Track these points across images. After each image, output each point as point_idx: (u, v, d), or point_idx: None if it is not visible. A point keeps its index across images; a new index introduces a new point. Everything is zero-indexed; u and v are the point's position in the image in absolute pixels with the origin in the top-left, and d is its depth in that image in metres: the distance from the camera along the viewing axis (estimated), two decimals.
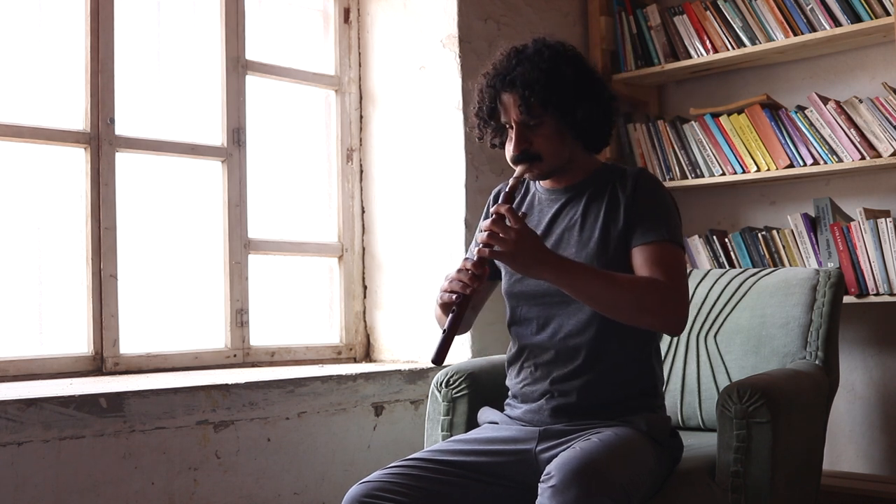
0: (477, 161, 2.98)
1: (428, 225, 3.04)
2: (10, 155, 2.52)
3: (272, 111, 3.07)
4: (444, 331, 1.86)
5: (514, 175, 1.95)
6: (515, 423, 2.00)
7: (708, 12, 3.15)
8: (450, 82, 2.99)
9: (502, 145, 2.05)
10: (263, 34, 3.05)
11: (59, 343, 2.56)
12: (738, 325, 2.53)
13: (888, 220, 2.78)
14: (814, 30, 2.94)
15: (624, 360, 1.96)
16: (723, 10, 3.12)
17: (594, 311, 1.92)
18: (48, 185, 2.59)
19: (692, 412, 2.52)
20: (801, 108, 2.97)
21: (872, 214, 2.83)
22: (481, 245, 1.83)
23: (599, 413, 1.93)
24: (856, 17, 2.85)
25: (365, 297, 3.20)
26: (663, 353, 2.57)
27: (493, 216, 1.83)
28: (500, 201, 1.89)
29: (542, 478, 1.69)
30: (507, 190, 1.93)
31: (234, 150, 2.89)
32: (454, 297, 1.85)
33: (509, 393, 2.07)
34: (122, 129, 2.65)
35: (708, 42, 3.16)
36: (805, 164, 2.93)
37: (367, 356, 3.19)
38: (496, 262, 1.98)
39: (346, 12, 3.22)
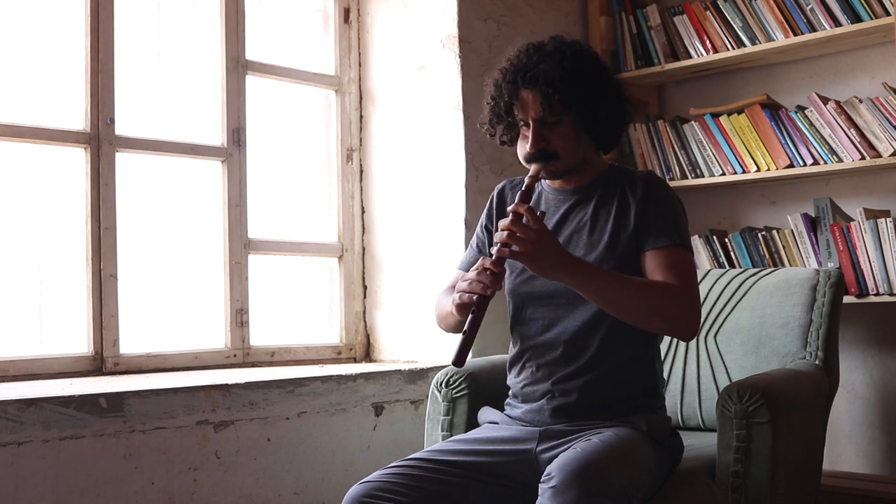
0: (477, 161, 2.98)
1: (428, 225, 3.04)
2: (10, 155, 2.52)
3: (272, 111, 3.07)
4: (465, 332, 1.85)
5: (530, 174, 1.93)
6: (516, 423, 2.00)
7: (708, 12, 3.15)
8: (450, 82, 2.99)
9: (512, 143, 2.03)
10: (263, 34, 3.05)
11: (59, 343, 2.56)
12: (738, 325, 2.53)
13: (888, 220, 2.78)
14: (814, 30, 2.94)
15: (626, 361, 1.96)
16: (723, 10, 3.12)
17: (599, 314, 1.92)
18: (48, 185, 2.59)
19: (692, 412, 2.52)
20: (801, 108, 2.97)
21: (872, 214, 2.83)
22: (500, 245, 1.81)
23: (600, 413, 1.93)
24: (856, 17, 2.85)
25: (365, 297, 3.20)
26: (663, 354, 2.57)
27: (511, 216, 1.82)
28: (517, 200, 1.87)
29: (543, 478, 1.69)
30: (523, 189, 1.90)
31: (234, 150, 2.89)
32: (474, 297, 1.83)
33: (510, 393, 2.07)
34: (122, 129, 2.65)
35: (708, 42, 3.16)
36: (805, 164, 2.93)
37: (367, 356, 3.19)
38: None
39: (346, 12, 3.22)
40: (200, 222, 2.87)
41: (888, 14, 2.79)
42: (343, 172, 3.18)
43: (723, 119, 3.10)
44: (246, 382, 2.41)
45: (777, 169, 2.99)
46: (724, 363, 2.51)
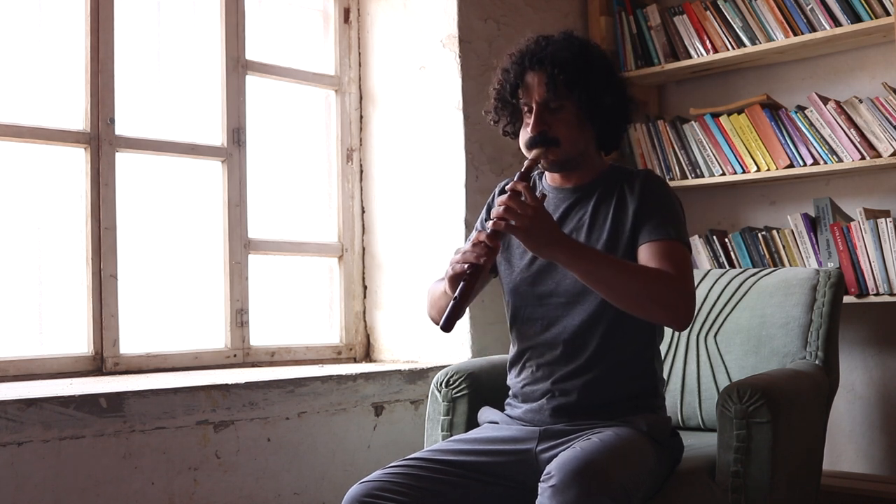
0: (477, 161, 2.99)
1: (428, 225, 3.04)
2: (10, 155, 2.52)
3: (272, 111, 3.07)
4: (455, 298, 1.81)
5: (530, 157, 1.93)
6: (516, 422, 2.00)
7: (708, 12, 3.15)
8: (450, 82, 2.99)
9: (515, 134, 2.03)
10: (263, 34, 3.05)
11: (59, 343, 2.56)
12: (738, 325, 2.53)
13: (888, 220, 2.78)
14: (814, 30, 2.94)
15: (625, 361, 1.96)
16: (723, 10, 3.12)
17: (598, 312, 1.92)
18: (48, 185, 2.59)
19: (692, 412, 2.52)
20: (801, 108, 2.97)
21: (872, 214, 2.83)
22: (496, 218, 1.80)
23: (600, 413, 1.93)
24: (856, 17, 2.85)
25: (365, 297, 3.20)
26: (663, 353, 2.56)
27: (510, 192, 1.81)
28: (515, 179, 1.87)
29: (543, 477, 1.69)
30: (522, 170, 1.89)
31: (234, 150, 2.89)
32: (466, 266, 1.81)
33: (510, 392, 2.07)
34: (122, 129, 2.65)
35: (708, 42, 3.16)
36: (805, 164, 2.93)
37: (367, 356, 3.19)
38: (494, 261, 1.97)
39: (346, 12, 3.22)
40: (200, 222, 2.87)
41: (888, 14, 2.79)
42: (343, 172, 3.18)
43: (723, 119, 3.10)
44: (246, 382, 2.41)
45: (777, 169, 2.99)
46: (724, 363, 2.51)
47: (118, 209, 2.63)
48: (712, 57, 3.15)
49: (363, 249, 3.21)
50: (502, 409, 2.08)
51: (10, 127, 2.48)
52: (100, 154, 2.61)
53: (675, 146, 3.21)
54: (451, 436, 2.23)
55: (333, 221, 3.18)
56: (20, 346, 2.49)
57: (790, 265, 2.97)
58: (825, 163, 2.90)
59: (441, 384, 2.33)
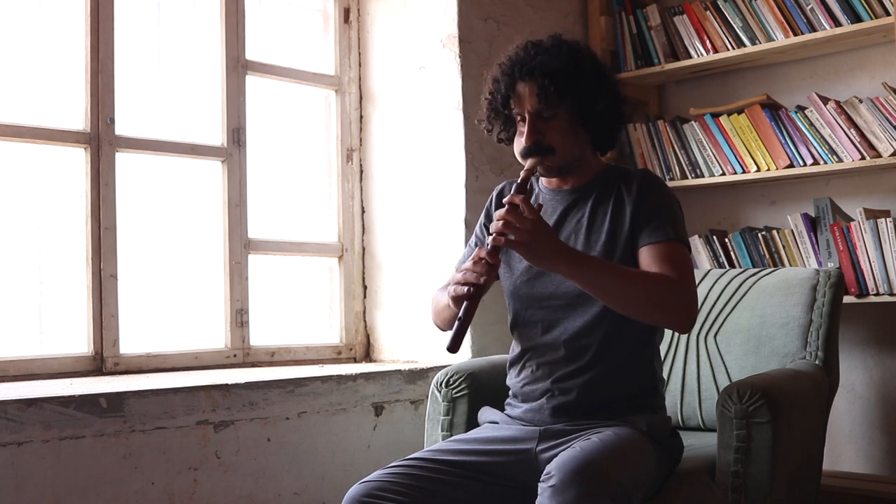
0: (477, 161, 2.98)
1: (428, 225, 3.04)
2: (10, 155, 2.52)
3: (272, 111, 3.07)
4: (459, 318, 1.82)
5: (526, 167, 1.93)
6: (516, 422, 2.00)
7: (708, 12, 3.15)
8: (450, 82, 2.99)
9: (509, 141, 2.03)
10: (263, 34, 3.05)
11: (59, 343, 2.56)
12: (738, 325, 2.53)
13: (888, 220, 2.78)
14: (814, 30, 2.94)
15: (626, 361, 1.96)
16: (723, 10, 3.12)
17: (599, 315, 1.92)
18: (48, 185, 2.59)
19: (692, 412, 2.52)
20: (801, 108, 2.97)
21: (872, 214, 2.83)
22: (495, 234, 1.80)
23: (600, 413, 1.93)
24: (856, 17, 2.85)
25: (365, 297, 3.20)
26: (663, 353, 2.57)
27: (508, 206, 1.81)
28: (512, 192, 1.87)
29: (542, 477, 1.69)
30: (519, 181, 1.90)
31: (234, 150, 2.89)
32: (468, 288, 1.81)
33: (510, 392, 2.07)
34: (122, 129, 2.65)
35: (708, 42, 3.16)
36: (805, 164, 2.93)
37: (367, 356, 3.19)
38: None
39: (346, 12, 3.22)
40: (200, 222, 2.87)
41: (888, 14, 2.79)
42: (343, 172, 3.18)
43: (723, 119, 3.10)
44: (246, 382, 2.41)
45: (777, 169, 2.99)
46: (724, 363, 2.51)
47: (118, 209, 2.63)
48: (712, 57, 3.15)
49: (363, 249, 3.21)
50: (502, 409, 2.08)
51: (10, 127, 2.48)
52: (100, 154, 2.61)
53: (675, 146, 3.21)
54: (451, 436, 2.23)
55: (333, 221, 3.18)
56: (20, 346, 2.49)
57: (790, 265, 2.97)
58: (825, 163, 2.90)
59: (441, 384, 2.33)
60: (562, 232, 2.01)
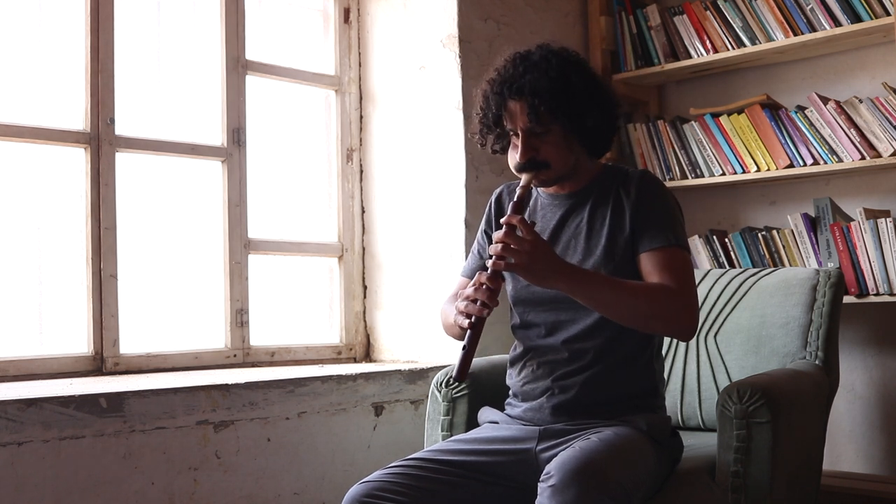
0: (477, 161, 2.98)
1: (428, 225, 3.04)
2: (10, 155, 2.52)
3: (272, 111, 3.07)
4: (464, 348, 1.84)
5: (521, 184, 1.92)
6: (516, 422, 2.00)
7: (708, 12, 3.15)
8: (450, 82, 2.99)
9: (504, 151, 2.03)
10: (263, 34, 3.05)
11: (59, 343, 2.56)
12: (738, 325, 2.53)
13: (888, 220, 2.78)
14: (814, 30, 2.94)
15: (626, 361, 1.96)
16: (723, 10, 3.12)
17: (602, 318, 1.92)
18: (48, 185, 2.59)
19: (692, 412, 2.52)
20: (801, 108, 2.97)
21: (872, 214, 2.83)
22: (495, 258, 1.81)
23: (600, 412, 1.93)
24: (856, 17, 2.85)
25: (365, 297, 3.20)
26: (663, 354, 2.56)
27: (505, 228, 1.82)
28: (510, 211, 1.87)
29: (542, 477, 1.69)
30: (515, 200, 1.89)
31: (234, 150, 2.89)
32: (469, 320, 1.83)
33: (510, 392, 2.08)
34: (122, 129, 2.65)
35: (708, 42, 3.16)
36: (805, 164, 2.93)
37: (367, 356, 3.18)
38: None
39: (346, 12, 3.22)
40: (200, 222, 2.87)
41: (888, 14, 2.79)
42: (343, 172, 3.18)
43: (723, 119, 3.10)
44: (246, 382, 2.41)
45: (777, 169, 2.99)
46: (724, 363, 2.51)
47: (118, 209, 2.63)
48: (712, 57, 3.15)
49: (363, 249, 3.21)
50: (502, 409, 2.08)
51: (10, 127, 2.48)
52: (100, 154, 2.61)
53: (675, 146, 3.21)
54: (451, 436, 2.23)
55: (333, 221, 3.18)
56: (20, 346, 2.49)
57: (790, 265, 2.97)
58: (825, 163, 2.90)
59: (441, 384, 2.33)
60: (561, 237, 2.01)
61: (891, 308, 2.94)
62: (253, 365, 2.88)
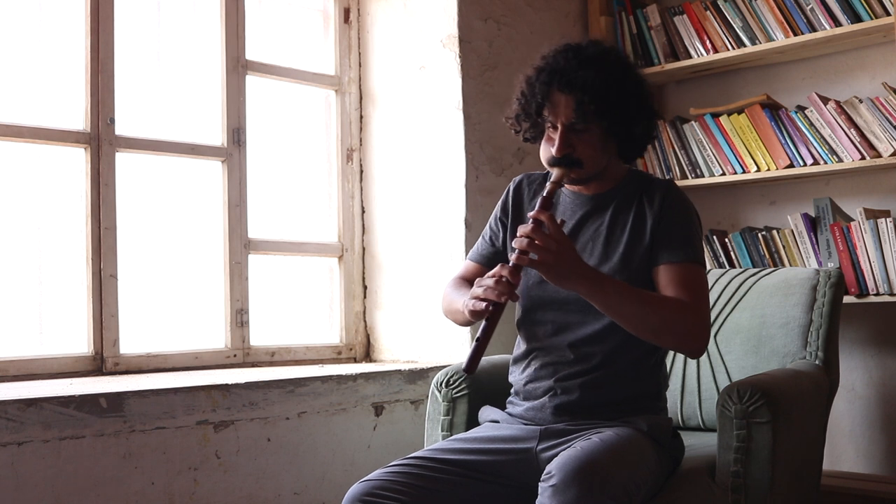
0: (477, 161, 2.98)
1: (428, 225, 3.04)
2: (10, 155, 2.52)
3: (272, 111, 3.07)
4: (478, 339, 1.82)
5: (552, 179, 1.90)
6: (517, 420, 2.00)
7: (708, 12, 3.15)
8: (450, 82, 2.99)
9: (534, 140, 2.01)
10: (263, 34, 3.05)
11: (59, 343, 2.56)
12: (738, 325, 2.53)
13: (888, 220, 2.78)
14: (814, 30, 2.94)
15: (632, 365, 1.96)
16: (723, 10, 3.12)
17: (611, 324, 1.91)
18: (48, 185, 2.59)
19: (692, 412, 2.52)
20: (801, 108, 2.97)
21: (872, 214, 2.83)
22: (518, 252, 1.78)
23: (601, 413, 1.93)
24: (856, 17, 2.85)
25: (365, 297, 3.20)
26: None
27: (533, 223, 1.79)
28: (538, 206, 1.84)
29: (543, 477, 1.69)
30: (545, 195, 1.87)
31: (234, 150, 2.89)
32: (487, 305, 1.80)
33: (511, 390, 2.07)
34: (122, 129, 2.65)
35: (708, 42, 3.16)
36: (805, 164, 2.93)
37: (367, 356, 3.18)
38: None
39: (346, 12, 3.22)
40: (200, 222, 2.87)
41: (888, 14, 2.79)
42: (343, 172, 3.18)
43: (723, 119, 3.10)
44: (246, 382, 2.41)
45: (777, 169, 2.99)
46: (724, 363, 2.51)
47: (118, 209, 2.63)
48: (712, 57, 3.15)
49: (363, 249, 3.21)
50: (503, 408, 2.08)
51: (10, 127, 2.48)
52: (100, 154, 2.61)
53: (675, 146, 3.21)
54: (451, 436, 2.22)
55: (333, 221, 3.18)
56: (20, 346, 2.49)
57: (790, 265, 2.97)
58: (825, 163, 2.90)
59: (441, 384, 2.33)
60: (580, 237, 1.99)
61: (891, 308, 2.94)
62: (253, 365, 2.88)
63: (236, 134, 2.89)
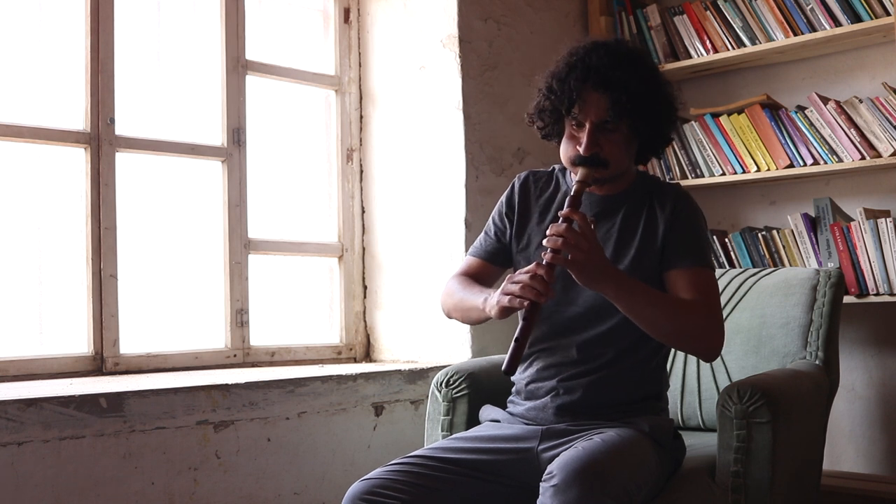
0: (477, 161, 2.98)
1: (428, 225, 3.04)
2: (10, 155, 2.52)
3: (272, 111, 3.07)
4: (517, 339, 1.79)
5: (578, 178, 1.87)
6: (518, 420, 2.00)
7: (708, 12, 3.15)
8: (450, 82, 2.99)
9: (552, 137, 2.00)
10: (263, 34, 3.05)
11: (59, 343, 2.56)
12: (738, 325, 2.53)
13: (888, 220, 2.78)
14: (814, 30, 2.94)
15: (636, 368, 1.96)
16: (723, 10, 3.12)
17: (618, 326, 1.92)
18: (48, 185, 2.59)
19: (692, 412, 2.52)
20: (801, 108, 2.97)
21: (872, 214, 2.83)
22: (551, 252, 1.77)
23: (604, 413, 1.93)
24: (856, 17, 2.85)
25: (365, 297, 3.20)
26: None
27: (564, 222, 1.78)
28: (567, 205, 1.82)
29: (544, 477, 1.69)
30: (573, 194, 1.85)
31: (234, 150, 2.89)
32: (525, 303, 1.77)
33: (513, 389, 2.07)
34: (122, 129, 2.65)
35: (708, 42, 3.17)
36: (805, 164, 2.93)
37: (367, 356, 3.18)
38: (504, 256, 1.99)
39: (346, 12, 3.22)
40: (200, 222, 2.87)
41: (888, 14, 2.79)
42: (343, 172, 3.18)
43: (723, 119, 3.10)
44: (246, 382, 2.41)
45: (777, 169, 2.99)
46: (724, 363, 2.51)
47: (118, 209, 2.63)
48: (712, 57, 3.15)
49: (363, 249, 3.21)
50: (504, 408, 2.07)
51: (10, 127, 2.48)
52: (100, 154, 2.61)
53: (675, 146, 3.21)
54: (451, 435, 2.22)
55: (333, 221, 3.18)
56: (20, 346, 2.49)
57: (790, 265, 2.97)
58: (825, 163, 2.90)
59: (441, 384, 2.33)
60: None
61: (891, 308, 2.94)
62: (253, 365, 2.88)
63: (236, 134, 2.89)
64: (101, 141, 2.61)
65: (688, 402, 2.53)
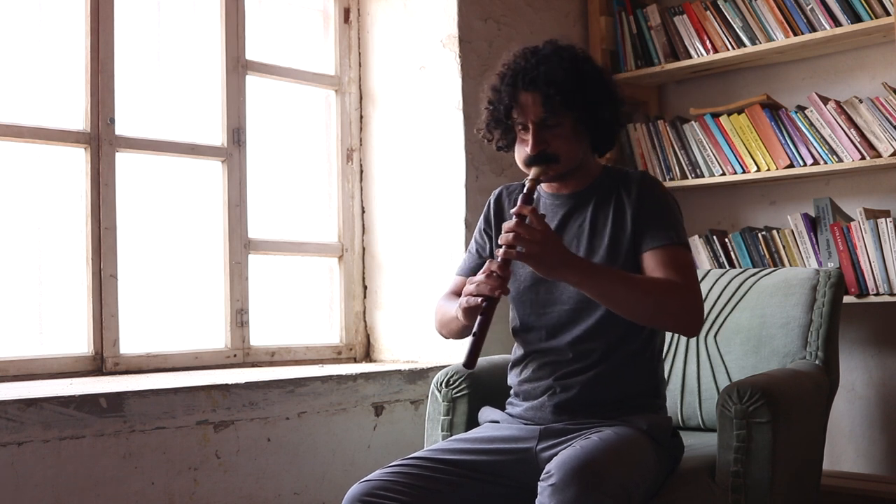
0: (477, 161, 2.98)
1: (428, 225, 3.04)
2: (10, 155, 2.52)
3: (272, 111, 3.07)
4: (474, 334, 1.82)
5: (530, 176, 1.92)
6: (517, 421, 2.00)
7: (708, 12, 3.15)
8: (450, 82, 2.99)
9: (509, 148, 2.04)
10: (263, 34, 3.05)
11: (59, 343, 2.56)
12: (738, 325, 2.53)
13: (888, 220, 2.78)
14: (814, 30, 2.94)
15: (628, 361, 1.97)
16: (723, 10, 3.12)
17: (603, 321, 1.93)
18: (48, 185, 2.59)
19: (692, 412, 2.52)
20: (801, 108, 2.97)
21: (872, 214, 2.83)
22: (505, 247, 1.80)
23: (600, 412, 1.93)
24: (856, 17, 2.85)
25: (365, 297, 3.20)
26: (663, 353, 2.56)
27: (516, 218, 1.81)
28: (520, 202, 1.86)
29: (542, 476, 1.70)
30: (525, 192, 1.89)
31: (234, 150, 2.89)
32: (480, 300, 1.81)
33: (511, 391, 2.08)
34: (122, 129, 2.65)
35: (708, 42, 3.16)
36: (805, 164, 2.93)
37: (367, 356, 3.18)
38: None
39: (346, 12, 3.22)
40: (200, 222, 2.87)
41: (888, 14, 2.79)
42: (343, 172, 3.18)
43: (723, 119, 3.10)
44: (246, 382, 2.41)
45: (777, 169, 2.99)
46: (724, 363, 2.51)
47: (118, 209, 2.63)
48: (712, 57, 3.15)
49: (363, 249, 3.21)
50: (503, 409, 2.08)
51: (10, 127, 2.48)
52: (100, 154, 2.61)
53: (675, 146, 3.21)
54: (451, 436, 2.23)
55: (333, 221, 3.18)
56: (20, 346, 2.49)
57: (790, 265, 2.97)
58: (825, 163, 2.90)
59: (441, 384, 2.33)
60: (564, 236, 2.01)
61: (891, 308, 2.94)
62: (253, 365, 2.88)
63: (236, 134, 2.89)
64: (101, 141, 2.61)
65: (688, 402, 2.53)
